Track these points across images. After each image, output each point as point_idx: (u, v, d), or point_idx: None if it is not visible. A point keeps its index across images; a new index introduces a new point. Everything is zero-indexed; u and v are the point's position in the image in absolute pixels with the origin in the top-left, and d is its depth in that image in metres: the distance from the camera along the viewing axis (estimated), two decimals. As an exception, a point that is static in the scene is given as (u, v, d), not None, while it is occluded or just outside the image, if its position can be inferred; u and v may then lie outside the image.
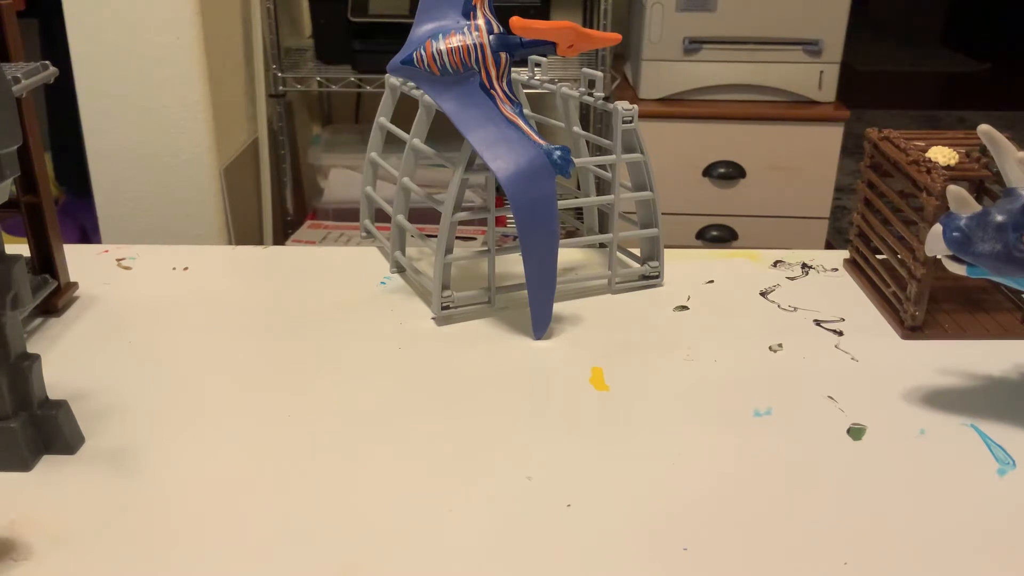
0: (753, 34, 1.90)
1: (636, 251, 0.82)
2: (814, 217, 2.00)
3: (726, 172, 1.96)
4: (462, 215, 0.72)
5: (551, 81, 0.83)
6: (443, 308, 0.73)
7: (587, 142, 0.86)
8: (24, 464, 0.54)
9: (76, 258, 0.81)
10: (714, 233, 2.01)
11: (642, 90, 1.95)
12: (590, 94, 0.79)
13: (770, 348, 0.70)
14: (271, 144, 1.95)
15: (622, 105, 0.75)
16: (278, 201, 2.01)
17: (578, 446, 0.57)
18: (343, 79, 1.92)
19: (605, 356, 0.68)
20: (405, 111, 0.81)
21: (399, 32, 0.79)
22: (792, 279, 0.82)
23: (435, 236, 0.72)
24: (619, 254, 0.81)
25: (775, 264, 0.85)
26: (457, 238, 0.73)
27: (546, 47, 0.69)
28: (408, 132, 0.79)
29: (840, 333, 0.72)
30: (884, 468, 0.56)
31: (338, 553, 0.48)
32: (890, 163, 0.74)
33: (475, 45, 0.69)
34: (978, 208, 0.55)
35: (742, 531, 0.50)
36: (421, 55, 0.69)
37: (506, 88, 0.70)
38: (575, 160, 0.71)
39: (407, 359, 0.68)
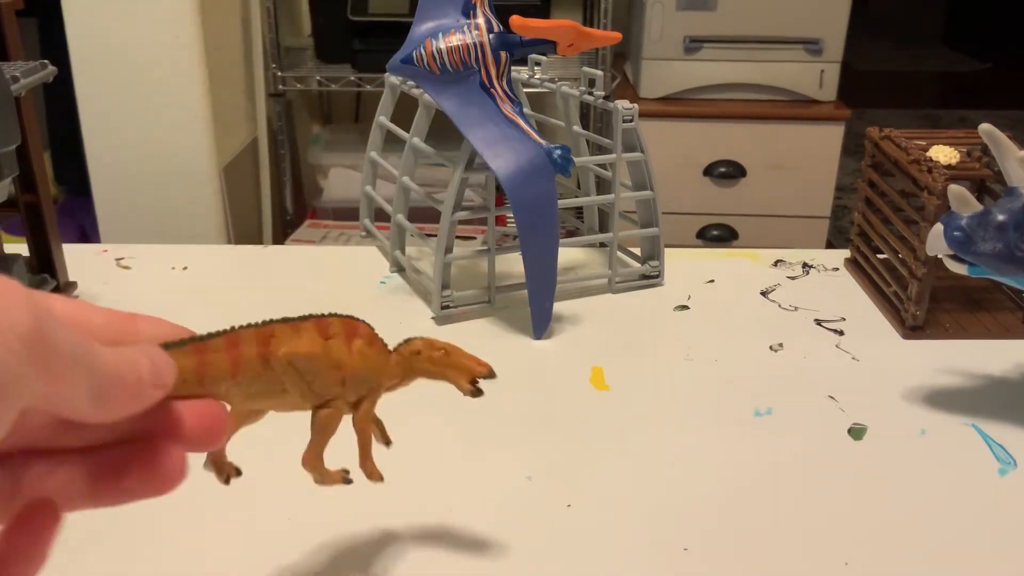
0: (753, 33, 1.90)
1: (636, 251, 0.82)
2: (815, 216, 2.00)
3: (726, 171, 1.96)
4: (462, 214, 0.72)
5: (551, 80, 0.83)
6: (443, 308, 0.73)
7: (587, 141, 0.85)
8: (23, 464, 0.54)
9: (75, 258, 0.81)
10: (714, 233, 2.01)
11: (642, 89, 1.95)
12: (590, 93, 0.79)
13: (770, 348, 0.70)
14: (271, 144, 1.95)
15: (622, 104, 0.74)
16: (278, 201, 2.01)
17: (578, 446, 0.57)
18: (343, 78, 1.92)
19: (605, 356, 0.68)
20: (405, 110, 0.81)
21: (399, 31, 0.79)
22: (793, 279, 0.82)
23: (435, 235, 0.72)
24: (619, 254, 0.81)
25: (775, 264, 0.85)
26: (457, 237, 0.73)
27: (546, 46, 0.69)
28: (408, 131, 0.78)
29: (841, 333, 0.72)
30: (884, 468, 0.56)
31: (338, 552, 0.48)
32: (891, 162, 0.74)
33: (475, 44, 0.69)
34: (979, 207, 0.54)
35: (742, 531, 0.50)
36: (421, 54, 0.69)
37: (506, 87, 0.70)
38: (575, 159, 0.71)
39: (407, 359, 0.68)
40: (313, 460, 0.42)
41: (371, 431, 0.44)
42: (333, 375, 0.40)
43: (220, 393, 0.37)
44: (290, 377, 0.39)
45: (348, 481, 0.43)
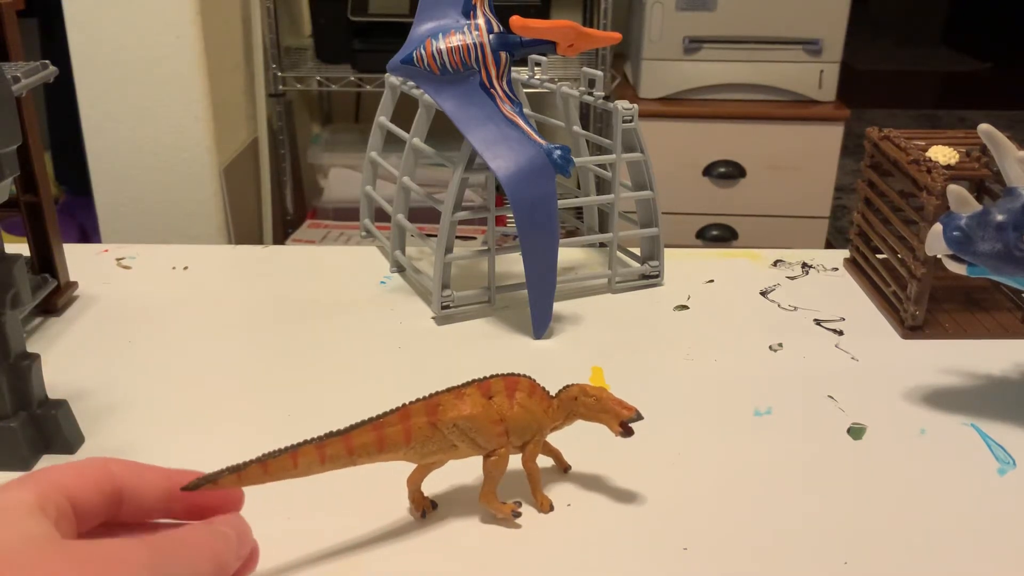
0: (753, 33, 1.90)
1: (636, 250, 0.82)
2: (814, 216, 2.00)
3: (726, 171, 1.96)
4: (462, 214, 0.72)
5: (551, 80, 0.83)
6: (443, 307, 0.73)
7: (587, 141, 0.86)
8: (24, 463, 0.54)
9: (76, 257, 0.81)
10: (714, 233, 2.01)
11: (642, 89, 1.95)
12: (590, 93, 0.79)
13: (770, 348, 0.70)
14: (271, 144, 1.95)
15: (622, 104, 0.74)
16: (278, 200, 2.01)
17: (578, 446, 0.57)
18: (343, 78, 1.92)
19: (605, 356, 0.68)
20: (405, 111, 0.81)
21: (399, 31, 0.79)
22: (792, 278, 0.82)
23: (435, 235, 0.72)
24: (619, 254, 0.81)
25: (775, 264, 0.85)
26: (457, 237, 0.73)
27: (546, 46, 0.69)
28: (408, 132, 0.79)
29: (840, 333, 0.72)
30: (884, 468, 0.56)
31: (338, 552, 0.48)
32: (890, 162, 0.74)
33: (475, 44, 0.69)
34: (978, 207, 0.55)
35: (742, 531, 0.50)
36: (421, 54, 0.69)
37: (506, 87, 0.70)
38: (575, 159, 0.71)
39: (407, 358, 0.68)
40: (487, 498, 0.49)
41: (537, 469, 0.50)
42: (495, 429, 0.47)
43: (398, 457, 0.46)
44: (457, 436, 0.46)
45: (517, 514, 0.50)
